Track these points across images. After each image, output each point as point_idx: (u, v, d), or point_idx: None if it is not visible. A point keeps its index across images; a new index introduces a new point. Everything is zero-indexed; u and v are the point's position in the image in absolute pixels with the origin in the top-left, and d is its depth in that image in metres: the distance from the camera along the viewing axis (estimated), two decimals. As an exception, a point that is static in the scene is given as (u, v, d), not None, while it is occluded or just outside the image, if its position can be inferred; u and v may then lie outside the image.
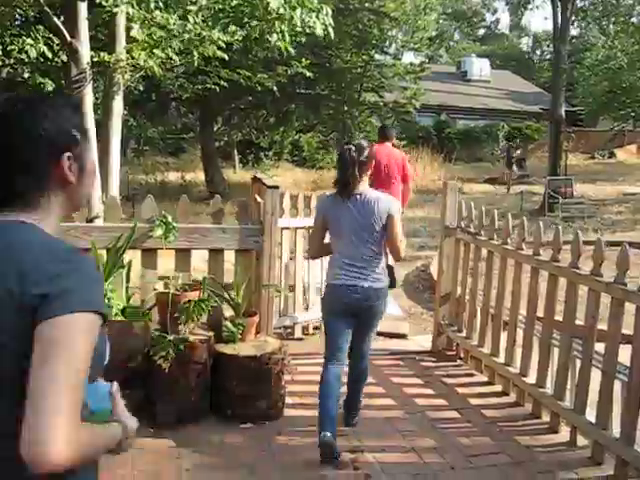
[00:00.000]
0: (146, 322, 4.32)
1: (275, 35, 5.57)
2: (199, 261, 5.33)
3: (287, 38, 5.81)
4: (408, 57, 49.02)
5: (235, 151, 26.93)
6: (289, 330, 6.38)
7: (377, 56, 21.57)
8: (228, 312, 4.81)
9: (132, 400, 1.76)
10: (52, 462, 1.21)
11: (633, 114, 23.39)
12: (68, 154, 1.45)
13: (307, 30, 5.71)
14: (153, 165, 26.43)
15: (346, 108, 20.02)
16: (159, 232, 4.49)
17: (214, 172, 18.55)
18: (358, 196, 4.02)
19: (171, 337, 4.16)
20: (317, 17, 5.38)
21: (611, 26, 29.15)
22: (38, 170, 1.43)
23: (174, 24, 5.56)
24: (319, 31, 5.48)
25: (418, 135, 29.50)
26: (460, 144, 31.24)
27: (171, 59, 7.58)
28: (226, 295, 4.69)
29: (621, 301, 3.91)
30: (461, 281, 5.94)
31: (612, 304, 3.97)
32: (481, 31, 66.29)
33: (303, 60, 10.22)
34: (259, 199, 4.91)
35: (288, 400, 4.77)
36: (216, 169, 19.22)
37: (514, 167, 23.64)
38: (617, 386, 4.07)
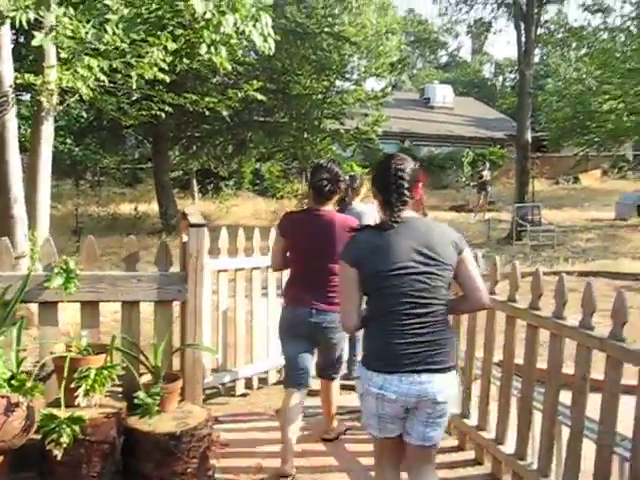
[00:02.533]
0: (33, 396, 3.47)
1: (204, 46, 4.84)
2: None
3: (223, 52, 5.09)
4: (370, 83, 48.85)
5: (194, 181, 26.14)
6: (231, 386, 5.59)
7: (338, 82, 21.00)
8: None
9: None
10: None
11: (597, 139, 23.06)
12: None
13: (245, 42, 5.05)
14: (108, 196, 25.56)
15: (306, 135, 19.35)
16: (57, 281, 3.69)
17: (169, 203, 17.71)
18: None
19: (65, 414, 3.34)
20: (254, 26, 4.67)
21: (572, 52, 29.11)
22: None
23: (87, 33, 4.80)
24: (258, 42, 4.76)
25: (381, 162, 28.94)
26: (424, 171, 30.69)
27: (100, 80, 6.80)
28: (142, 357, 3.88)
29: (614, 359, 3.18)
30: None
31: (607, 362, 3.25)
32: (444, 58, 66.66)
33: (254, 82, 9.51)
34: (185, 239, 4.13)
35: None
36: (171, 200, 18.38)
37: (485, 191, 23.14)
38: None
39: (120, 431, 3.60)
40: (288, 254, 4.28)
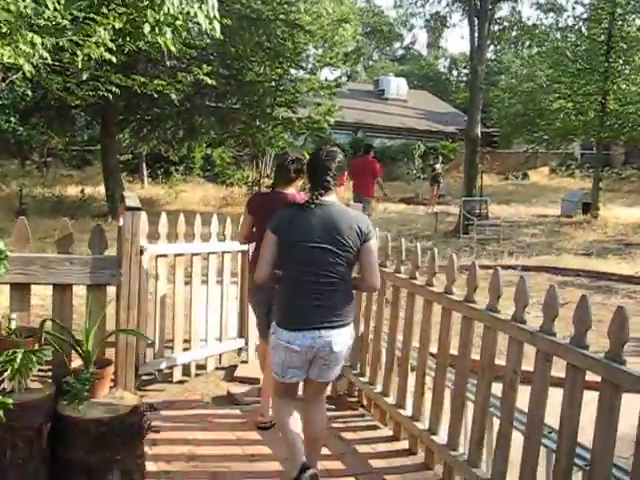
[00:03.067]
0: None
1: (147, 26, 4.73)
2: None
3: (168, 34, 4.99)
4: (325, 73, 48.81)
5: (144, 165, 25.78)
6: (169, 372, 5.53)
7: (292, 70, 20.85)
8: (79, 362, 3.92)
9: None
10: None
11: (546, 137, 23.44)
12: None
13: (189, 24, 4.98)
14: (55, 178, 25.06)
15: (258, 123, 19.19)
16: (-14, 263, 3.58)
17: (116, 187, 17.39)
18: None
19: (-11, 399, 3.24)
20: (200, 8, 4.58)
21: (524, 50, 29.47)
22: None
23: (25, 7, 4.66)
24: (203, 24, 4.68)
25: (333, 152, 28.94)
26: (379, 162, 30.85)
27: (44, 57, 6.61)
28: (73, 342, 3.79)
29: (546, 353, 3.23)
30: (364, 317, 5.20)
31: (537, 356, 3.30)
32: (399, 51, 66.84)
33: (204, 66, 9.37)
34: (121, 222, 4.05)
35: (151, 467, 3.91)
36: (118, 183, 18.06)
37: (437, 184, 23.35)
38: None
39: (48, 417, 3.51)
40: (254, 229, 4.64)
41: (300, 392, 3.78)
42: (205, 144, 23.14)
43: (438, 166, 23.70)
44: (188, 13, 4.60)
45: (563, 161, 35.58)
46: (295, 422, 3.64)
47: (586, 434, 3.07)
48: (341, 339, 3.48)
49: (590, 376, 2.97)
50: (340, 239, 3.41)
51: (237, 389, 5.44)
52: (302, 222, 3.46)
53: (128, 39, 6.38)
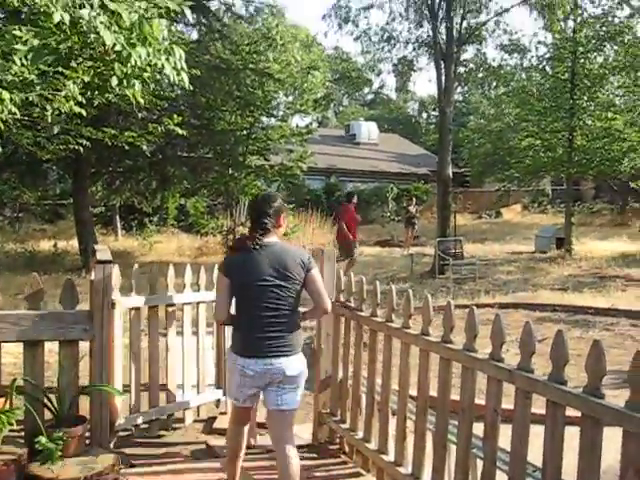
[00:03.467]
0: None
1: (115, 79, 4.73)
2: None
3: (137, 86, 4.99)
4: (296, 120, 49.25)
5: (117, 217, 25.65)
6: (146, 427, 5.41)
7: (263, 118, 20.99)
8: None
9: None
10: None
11: (517, 174, 23.73)
12: None
13: (162, 76, 4.99)
14: (27, 233, 24.85)
15: (231, 171, 19.23)
16: (-46, 322, 3.51)
17: (89, 240, 17.23)
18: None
19: (-42, 464, 3.15)
20: (167, 60, 4.60)
21: (491, 91, 29.96)
22: None
23: (-7, 63, 4.65)
24: (171, 76, 4.69)
25: (306, 198, 29.07)
26: (356, 206, 30.98)
27: (13, 113, 6.59)
28: (46, 400, 3.71)
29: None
30: (343, 362, 5.15)
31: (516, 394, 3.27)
32: (369, 96, 67.75)
33: (175, 117, 9.40)
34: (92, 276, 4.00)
35: (130, 526, 3.81)
36: (91, 237, 17.92)
37: (412, 226, 23.50)
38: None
39: (21, 479, 3.42)
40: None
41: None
42: (178, 194, 23.11)
43: (412, 208, 23.86)
44: (156, 65, 4.61)
45: (535, 198, 36.00)
46: (240, 450, 4.17)
47: (571, 471, 3.03)
48: (292, 365, 3.89)
49: (572, 411, 2.95)
50: (287, 274, 3.85)
51: (216, 441, 5.33)
52: (251, 263, 3.86)
53: (97, 92, 6.36)
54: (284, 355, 3.85)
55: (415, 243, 23.77)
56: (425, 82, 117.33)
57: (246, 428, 4.18)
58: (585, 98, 20.09)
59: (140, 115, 15.08)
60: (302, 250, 4.18)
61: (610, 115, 19.23)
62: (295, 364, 3.89)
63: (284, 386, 3.87)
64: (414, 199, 25.74)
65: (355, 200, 16.76)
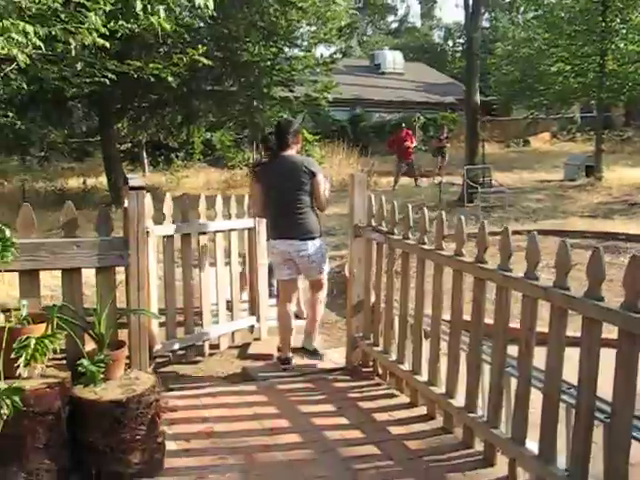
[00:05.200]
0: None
1: (139, 3, 4.66)
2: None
3: (161, 12, 4.92)
4: (320, 50, 48.50)
5: (144, 153, 25.68)
6: (183, 353, 5.52)
7: (286, 49, 20.65)
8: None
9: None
10: None
11: (545, 102, 23.28)
12: None
13: (186, 3, 4.93)
14: (56, 171, 25.00)
15: (255, 103, 19.06)
16: (-7, 251, 3.56)
17: (117, 176, 17.33)
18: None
19: (4, 386, 3.24)
20: (193, -16, 4.53)
21: (520, 16, 29.19)
22: None
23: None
24: (197, 0, 4.62)
25: (332, 129, 28.82)
26: (376, 137, 30.75)
27: (38, 47, 6.55)
28: (86, 325, 3.78)
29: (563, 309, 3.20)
30: (375, 287, 5.17)
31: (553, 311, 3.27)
32: (393, 24, 66.39)
33: (199, 47, 9.28)
34: (126, 204, 4.02)
35: (171, 446, 3.91)
36: (120, 173, 17.99)
37: (443, 155, 23.26)
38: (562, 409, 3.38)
39: (65, 401, 3.51)
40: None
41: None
42: (204, 128, 23.01)
43: (443, 137, 23.56)
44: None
45: (564, 125, 35.38)
46: (288, 318, 5.43)
47: (605, 392, 3.05)
48: (307, 246, 5.22)
49: (606, 334, 2.94)
50: (298, 177, 5.15)
51: (251, 365, 5.44)
52: (272, 171, 5.32)
53: (121, 21, 6.29)
54: (301, 239, 5.17)
55: (446, 172, 23.55)
56: (451, 8, 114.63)
57: (291, 306, 5.50)
58: (618, 20, 19.52)
59: (163, 49, 14.95)
60: (310, 159, 5.62)
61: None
62: (309, 246, 5.21)
63: (304, 261, 5.26)
64: (445, 127, 25.36)
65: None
